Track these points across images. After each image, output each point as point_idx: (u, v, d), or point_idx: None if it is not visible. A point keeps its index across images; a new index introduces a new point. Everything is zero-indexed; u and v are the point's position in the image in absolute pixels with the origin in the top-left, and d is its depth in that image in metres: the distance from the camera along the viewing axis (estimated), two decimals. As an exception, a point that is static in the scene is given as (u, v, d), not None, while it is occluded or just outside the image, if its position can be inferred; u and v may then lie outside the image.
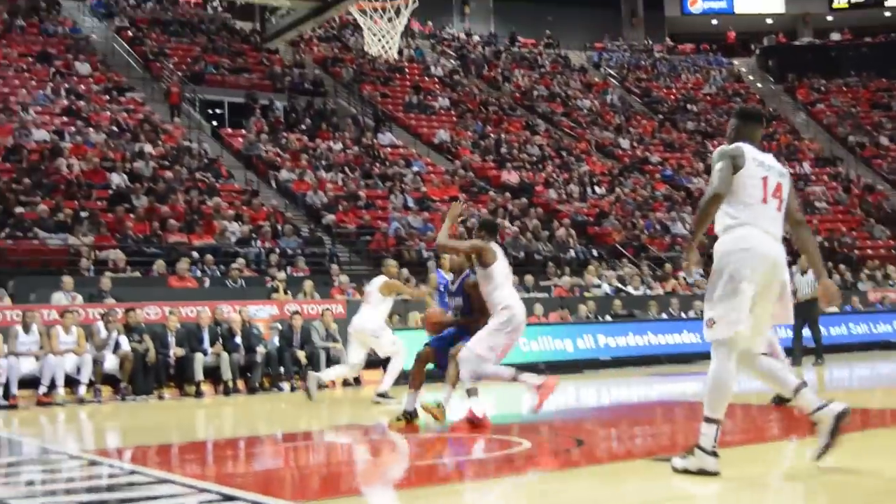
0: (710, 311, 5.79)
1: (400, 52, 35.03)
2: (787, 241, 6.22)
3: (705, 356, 6.00)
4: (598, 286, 22.02)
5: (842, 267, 27.64)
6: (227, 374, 15.06)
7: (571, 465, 6.81)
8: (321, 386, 13.20)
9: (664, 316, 20.55)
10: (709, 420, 5.67)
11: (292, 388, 15.35)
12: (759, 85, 46.30)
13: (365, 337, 12.72)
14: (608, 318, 20.04)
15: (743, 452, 6.92)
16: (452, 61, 40.51)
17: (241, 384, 15.33)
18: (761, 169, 5.88)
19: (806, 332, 17.24)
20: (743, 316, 5.67)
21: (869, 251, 30.73)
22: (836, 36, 49.02)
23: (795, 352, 16.95)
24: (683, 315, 20.44)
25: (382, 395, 12.32)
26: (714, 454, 5.63)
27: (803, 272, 17.17)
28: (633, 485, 5.80)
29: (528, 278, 21.30)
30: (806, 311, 16.82)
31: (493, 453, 7.39)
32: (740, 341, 5.75)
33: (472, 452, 7.57)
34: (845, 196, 34.94)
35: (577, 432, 8.67)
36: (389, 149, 29.78)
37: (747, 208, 5.79)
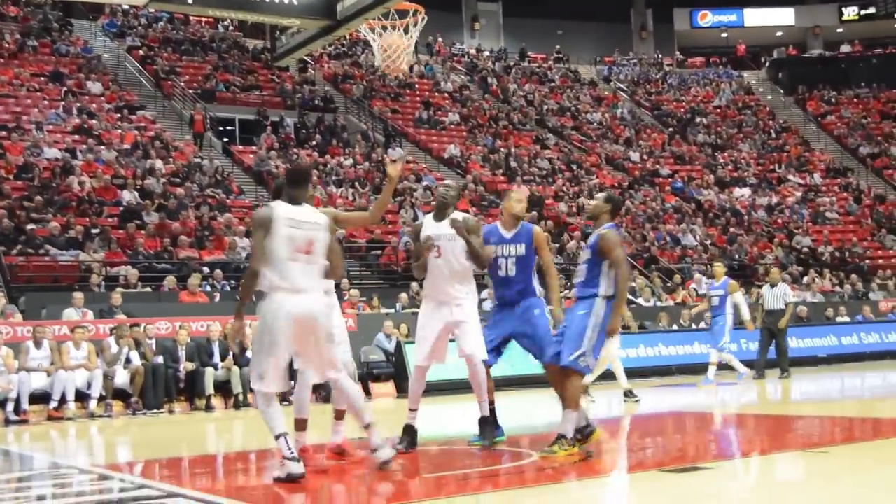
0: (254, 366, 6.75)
1: (410, 69, 35.14)
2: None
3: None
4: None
5: (853, 277, 27.61)
6: (237, 387, 15.12)
7: (580, 476, 6.78)
8: None
9: (675, 327, 20.52)
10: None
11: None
12: (769, 97, 46.28)
13: None
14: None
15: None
16: (463, 76, 40.60)
17: (251, 398, 15.36)
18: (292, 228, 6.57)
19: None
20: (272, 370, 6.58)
21: (880, 261, 30.71)
22: (846, 48, 48.99)
23: (759, 364, 17.04)
24: (694, 326, 20.41)
25: None
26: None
27: (772, 285, 17.34)
28: (638, 495, 5.84)
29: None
30: (772, 323, 16.98)
31: (504, 465, 7.38)
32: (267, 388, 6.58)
33: (482, 465, 7.51)
34: (856, 206, 34.88)
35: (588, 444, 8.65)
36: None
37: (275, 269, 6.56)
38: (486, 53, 44.97)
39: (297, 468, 6.44)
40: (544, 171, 31.81)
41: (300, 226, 6.58)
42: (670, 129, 40.12)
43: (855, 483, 5.92)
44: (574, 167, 33.08)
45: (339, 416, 7.73)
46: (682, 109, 42.87)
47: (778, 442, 8.49)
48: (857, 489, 5.69)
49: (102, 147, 24.57)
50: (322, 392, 14.27)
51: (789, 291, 18.01)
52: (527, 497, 5.98)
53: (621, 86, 44.69)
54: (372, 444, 6.85)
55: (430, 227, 8.07)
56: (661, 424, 10.80)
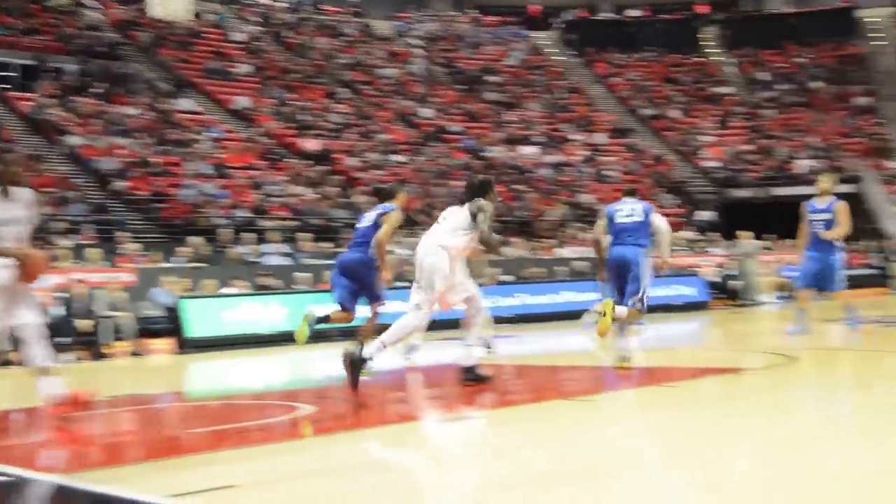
0: None
1: (197, 16, 34.40)
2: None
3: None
4: (391, 252, 22.21)
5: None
6: (2, 344, 14.58)
7: (348, 427, 6.94)
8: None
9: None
10: None
11: (77, 359, 15.04)
12: (559, 58, 47.31)
13: None
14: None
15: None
16: (255, 27, 39.91)
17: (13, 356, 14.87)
18: None
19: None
20: None
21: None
22: (635, 12, 50.49)
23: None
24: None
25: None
26: None
27: None
28: (401, 446, 6.01)
29: (325, 244, 21.40)
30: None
31: (275, 418, 7.43)
32: None
33: (252, 418, 7.55)
34: (637, 167, 36.23)
35: (358, 396, 8.78)
36: (186, 115, 29.22)
37: None
38: (281, 5, 44.32)
39: None
40: (335, 126, 31.74)
41: None
42: (462, 87, 40.58)
43: (624, 429, 6.26)
44: (365, 122, 33.13)
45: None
46: (475, 67, 43.38)
47: (547, 392, 8.84)
48: (622, 434, 6.02)
49: None
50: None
51: None
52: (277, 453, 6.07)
53: (416, 42, 44.83)
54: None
55: None
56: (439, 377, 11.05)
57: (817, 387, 8.06)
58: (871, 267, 27.72)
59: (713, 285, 23.88)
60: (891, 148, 38.02)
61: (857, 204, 32.76)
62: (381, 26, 45.62)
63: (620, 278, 9.46)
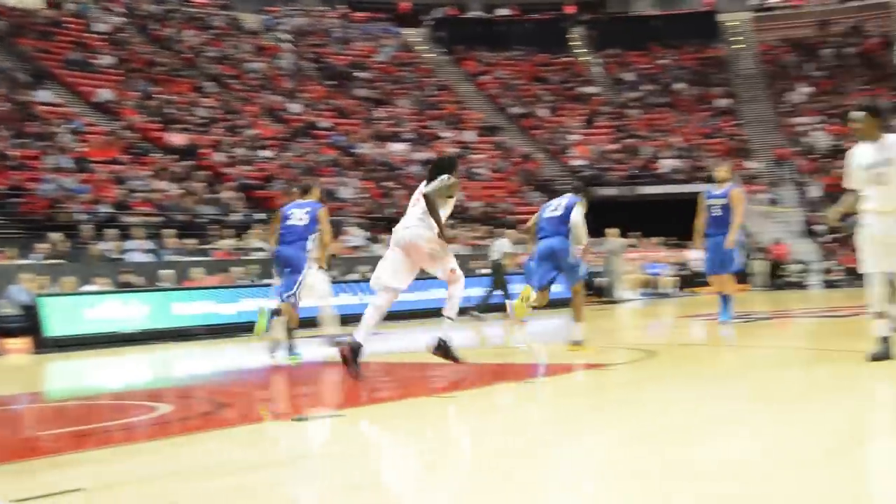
0: None
1: (58, 6, 33.44)
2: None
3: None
4: (262, 249, 21.97)
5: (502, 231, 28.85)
6: None
7: (207, 428, 6.77)
8: None
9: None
10: None
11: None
12: (428, 55, 47.41)
13: None
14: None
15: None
16: (119, 18, 38.90)
17: None
18: None
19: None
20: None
21: (525, 216, 32.27)
22: (504, 11, 50.90)
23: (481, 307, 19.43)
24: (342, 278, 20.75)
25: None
26: None
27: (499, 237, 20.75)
28: (261, 445, 5.90)
29: (190, 241, 21.04)
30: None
31: (132, 419, 7.21)
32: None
33: (108, 419, 7.32)
34: (505, 164, 36.55)
35: (220, 395, 8.65)
36: (46, 107, 28.32)
37: None
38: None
39: None
40: (202, 120, 31.19)
41: None
42: (332, 83, 40.33)
43: (483, 426, 6.24)
44: (232, 117, 32.65)
45: None
46: (344, 63, 43.14)
47: (411, 388, 8.86)
48: (482, 431, 5.99)
49: None
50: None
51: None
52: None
53: (284, 36, 44.35)
54: None
55: None
56: (297, 375, 10.93)
57: (671, 381, 8.18)
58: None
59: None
60: (749, 149, 39.18)
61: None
62: (249, 20, 45.01)
63: (550, 267, 10.61)
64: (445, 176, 8.60)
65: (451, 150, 27.70)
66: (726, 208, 13.13)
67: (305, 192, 11.33)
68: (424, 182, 8.77)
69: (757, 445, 4.98)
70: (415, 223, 8.57)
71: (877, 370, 7.55)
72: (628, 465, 4.62)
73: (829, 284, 28.39)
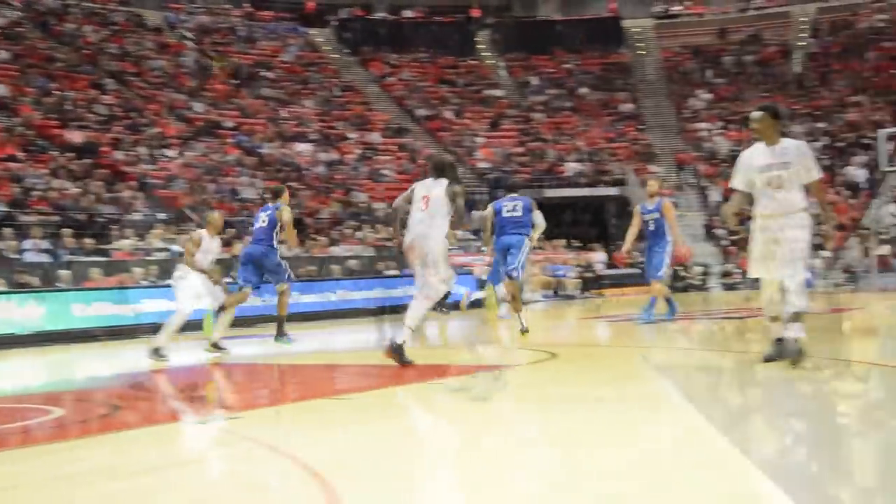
0: None
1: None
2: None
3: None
4: (165, 249, 21.65)
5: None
6: None
7: (104, 430, 6.61)
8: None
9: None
10: None
11: None
12: (334, 56, 47.20)
13: None
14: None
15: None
16: (16, 12, 37.95)
17: None
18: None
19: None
20: None
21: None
22: (409, 13, 50.89)
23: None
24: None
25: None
26: None
27: None
28: (157, 449, 5.78)
29: (89, 241, 20.64)
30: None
31: (22, 422, 7.01)
32: None
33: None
34: (411, 166, 36.53)
35: (117, 398, 8.50)
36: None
37: None
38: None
39: None
40: (102, 118, 30.59)
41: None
42: (235, 82, 39.89)
43: (385, 427, 6.18)
44: (134, 114, 32.08)
45: None
46: (249, 62, 42.71)
47: (309, 390, 8.76)
48: (382, 432, 5.93)
49: None
50: None
51: None
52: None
53: (188, 34, 43.75)
54: None
55: None
56: (204, 375, 10.79)
57: (573, 382, 8.23)
58: (633, 266, 28.81)
59: (484, 284, 24.28)
60: (652, 153, 39.78)
61: (622, 205, 34.17)
62: (152, 16, 44.30)
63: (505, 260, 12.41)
64: (458, 188, 9.20)
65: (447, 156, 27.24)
66: (659, 221, 13.94)
67: (276, 195, 12.65)
68: (434, 177, 9.26)
69: (653, 447, 5.02)
70: (433, 236, 9.11)
71: (771, 371, 7.70)
72: (531, 467, 4.62)
73: (728, 287, 28.97)
